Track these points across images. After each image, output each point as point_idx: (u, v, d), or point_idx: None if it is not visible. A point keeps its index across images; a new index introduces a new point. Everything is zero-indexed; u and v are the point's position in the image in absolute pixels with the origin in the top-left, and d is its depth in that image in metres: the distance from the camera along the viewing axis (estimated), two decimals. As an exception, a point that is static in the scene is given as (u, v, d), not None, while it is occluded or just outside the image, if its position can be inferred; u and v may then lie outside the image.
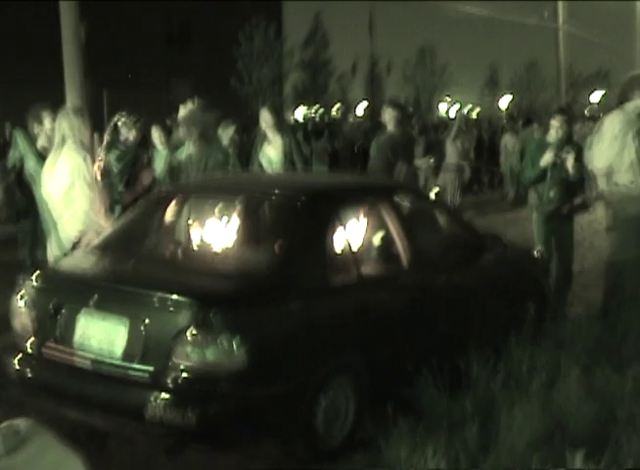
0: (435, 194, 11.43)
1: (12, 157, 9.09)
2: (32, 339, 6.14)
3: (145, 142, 10.17)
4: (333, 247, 6.55)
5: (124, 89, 32.68)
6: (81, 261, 6.86)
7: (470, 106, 73.47)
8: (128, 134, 9.26)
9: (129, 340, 5.61)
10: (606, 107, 56.85)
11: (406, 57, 77.18)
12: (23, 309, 6.22)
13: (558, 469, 4.85)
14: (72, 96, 13.60)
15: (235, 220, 6.96)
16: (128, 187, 8.75)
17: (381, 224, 7.08)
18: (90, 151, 8.06)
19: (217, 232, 6.93)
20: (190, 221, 7.19)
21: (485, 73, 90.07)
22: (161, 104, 33.98)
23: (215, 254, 6.80)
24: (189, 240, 7.13)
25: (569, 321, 8.20)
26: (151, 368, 5.52)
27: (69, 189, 7.63)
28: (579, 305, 10.01)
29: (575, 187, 9.87)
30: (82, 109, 8.29)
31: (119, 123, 9.36)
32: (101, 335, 5.74)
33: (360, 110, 70.69)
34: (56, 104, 9.32)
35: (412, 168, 11.01)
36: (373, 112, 60.01)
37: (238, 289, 5.89)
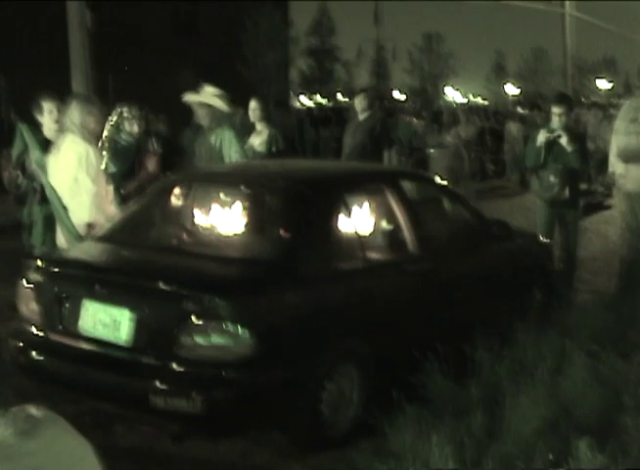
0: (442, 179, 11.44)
1: (16, 148, 9.09)
2: (38, 326, 6.16)
3: (149, 130, 10.12)
4: (338, 234, 6.55)
5: (130, 76, 32.64)
6: (87, 250, 6.87)
7: (473, 93, 73.37)
8: (132, 127, 9.22)
9: (135, 327, 5.61)
10: (612, 93, 56.75)
11: (412, 43, 77.13)
12: (30, 296, 6.23)
13: (563, 456, 4.85)
14: (78, 83, 13.64)
15: (240, 208, 6.96)
16: (133, 175, 8.71)
17: (386, 210, 7.08)
18: (96, 140, 8.05)
19: (222, 220, 6.93)
20: (195, 210, 7.19)
21: (492, 60, 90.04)
22: (168, 90, 33.92)
23: (221, 241, 6.80)
24: (194, 228, 7.13)
25: (575, 307, 8.19)
26: (157, 355, 5.53)
27: (75, 179, 7.62)
28: (586, 291, 10.02)
29: (577, 173, 9.82)
30: (93, 97, 8.24)
31: (123, 115, 9.32)
32: (106, 322, 5.75)
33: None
34: (62, 91, 9.31)
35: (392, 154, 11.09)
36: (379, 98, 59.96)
37: (243, 276, 5.90)
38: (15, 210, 9.31)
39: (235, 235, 6.79)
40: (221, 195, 7.16)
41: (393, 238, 7.01)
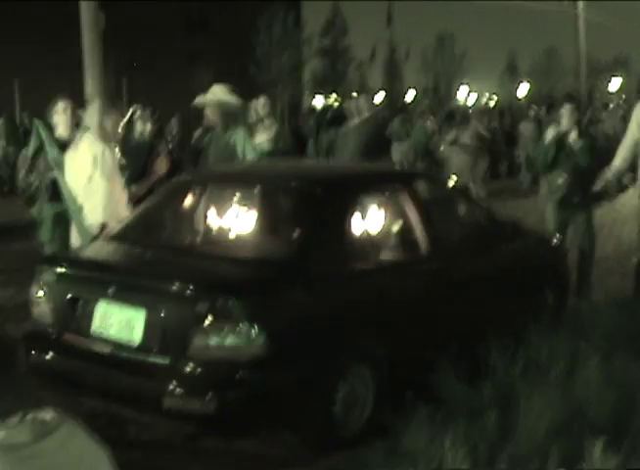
0: (455, 181, 11.41)
1: (32, 146, 9.11)
2: (51, 327, 6.17)
3: (161, 132, 10.13)
4: (351, 235, 6.55)
5: (144, 77, 32.72)
6: (100, 250, 6.88)
7: (487, 94, 73.21)
8: (144, 127, 9.22)
9: (148, 328, 5.62)
10: (625, 94, 56.63)
11: (425, 44, 77.08)
12: (42, 297, 6.25)
13: (577, 457, 4.84)
14: (92, 84, 13.64)
15: (253, 209, 6.96)
16: (143, 177, 8.72)
17: (400, 212, 7.07)
18: (115, 141, 8.06)
19: (235, 221, 6.94)
20: (208, 210, 7.19)
21: (505, 60, 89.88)
22: (181, 91, 34.00)
23: (234, 242, 6.81)
24: (208, 228, 7.14)
25: (588, 308, 8.17)
26: (169, 356, 5.54)
27: (90, 180, 7.65)
28: (599, 292, 9.98)
29: (587, 174, 9.73)
30: (114, 99, 8.25)
31: (135, 117, 9.33)
32: (120, 323, 5.76)
33: (378, 98, 70.62)
34: (75, 92, 9.33)
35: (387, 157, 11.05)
36: (392, 99, 59.95)
37: (257, 277, 5.90)
38: (24, 211, 9.33)
39: (249, 235, 6.79)
40: (235, 195, 7.16)
41: (406, 239, 7.00)
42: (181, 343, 5.46)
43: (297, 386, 5.68)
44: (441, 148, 16.60)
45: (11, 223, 14.43)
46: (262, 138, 10.54)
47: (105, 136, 7.74)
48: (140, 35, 37.23)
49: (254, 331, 5.37)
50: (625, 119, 17.07)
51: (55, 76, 25.35)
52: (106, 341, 5.83)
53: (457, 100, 74.45)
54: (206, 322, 5.37)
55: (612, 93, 66.75)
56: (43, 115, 9.25)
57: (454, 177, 13.19)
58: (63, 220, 8.28)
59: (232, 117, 9.22)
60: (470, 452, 5.02)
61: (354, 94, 13.36)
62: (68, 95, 8.74)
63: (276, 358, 5.48)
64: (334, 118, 28.34)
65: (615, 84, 68.17)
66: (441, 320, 6.92)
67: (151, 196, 7.64)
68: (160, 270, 6.18)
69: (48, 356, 6.16)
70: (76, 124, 8.43)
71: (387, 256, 6.79)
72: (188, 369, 5.46)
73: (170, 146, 9.59)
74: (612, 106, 31.85)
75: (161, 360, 5.57)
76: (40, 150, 8.45)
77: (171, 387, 5.43)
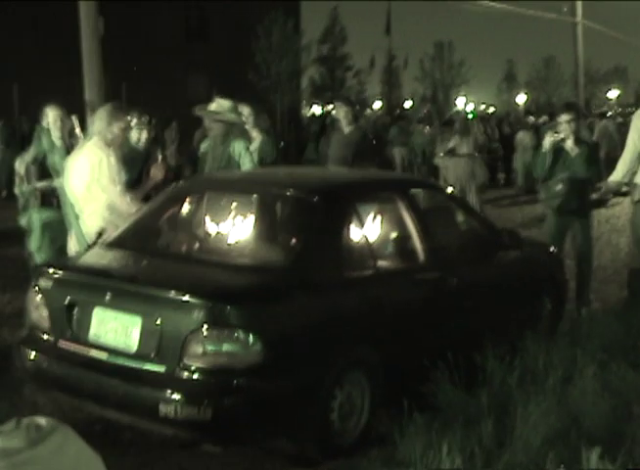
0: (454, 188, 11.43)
1: (33, 152, 9.12)
2: (48, 333, 6.17)
3: (157, 139, 10.12)
4: (348, 242, 6.56)
5: (143, 83, 32.75)
6: (97, 257, 6.87)
7: (485, 102, 73.31)
8: (140, 135, 9.23)
9: (145, 335, 5.62)
10: (623, 103, 56.76)
11: (424, 52, 77.16)
12: (40, 303, 6.25)
13: (573, 466, 4.84)
14: (91, 90, 13.64)
15: (250, 216, 6.97)
16: (139, 184, 8.71)
17: (397, 219, 7.08)
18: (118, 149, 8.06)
19: (233, 228, 6.94)
20: (206, 217, 7.20)
21: (503, 68, 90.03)
22: (180, 98, 34.06)
23: (232, 249, 6.81)
24: (205, 235, 7.14)
25: (585, 317, 8.18)
26: (166, 363, 5.53)
27: (90, 185, 7.65)
28: (596, 300, 10.00)
29: (585, 183, 9.73)
30: (123, 106, 8.23)
31: (131, 123, 9.32)
32: (116, 330, 5.76)
33: (376, 105, 70.66)
34: (75, 98, 9.34)
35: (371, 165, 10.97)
36: (390, 107, 60.02)
37: (254, 284, 5.89)
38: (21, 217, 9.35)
39: (246, 242, 6.79)
40: (233, 202, 7.17)
41: (404, 246, 7.01)
42: (178, 350, 5.45)
43: (293, 393, 5.68)
44: (440, 154, 16.59)
45: (9, 229, 14.42)
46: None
47: (111, 142, 7.75)
48: (139, 42, 37.29)
49: (251, 338, 5.37)
50: (620, 132, 17.12)
51: (54, 82, 25.37)
52: (102, 347, 5.82)
53: (456, 107, 74.58)
54: (203, 329, 5.37)
55: (610, 99, 66.95)
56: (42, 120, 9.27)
57: (450, 188, 13.19)
58: (51, 229, 8.30)
59: (233, 130, 9.24)
60: (466, 460, 5.03)
61: (335, 103, 13.34)
62: (57, 103, 8.73)
63: (273, 366, 5.48)
64: (333, 124, 28.43)
65: (612, 95, 68.40)
66: (438, 328, 6.92)
67: (148, 202, 7.64)
68: (157, 277, 6.18)
69: (44, 362, 6.16)
70: (69, 131, 8.45)
71: (384, 263, 6.80)
72: (184, 376, 5.45)
73: (167, 153, 9.58)
74: (610, 113, 31.89)
75: (158, 367, 5.57)
76: (40, 156, 8.46)
77: (168, 394, 5.42)
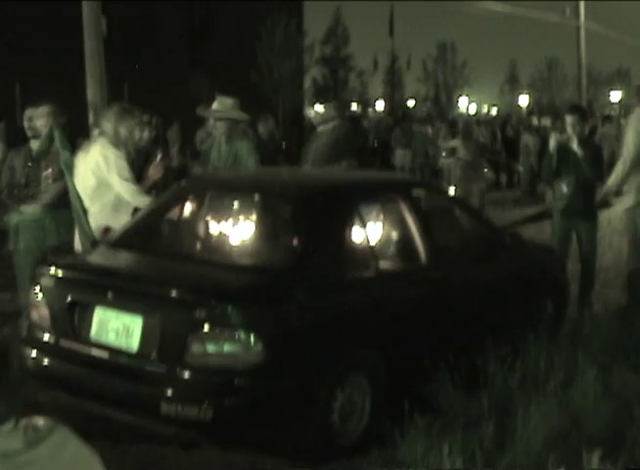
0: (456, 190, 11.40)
1: (38, 150, 9.10)
2: (49, 331, 6.17)
3: (158, 139, 10.08)
4: (350, 243, 6.55)
5: (145, 84, 32.74)
6: (98, 257, 6.88)
7: (486, 106, 73.36)
8: (141, 135, 9.21)
9: (146, 334, 5.62)
10: (626, 105, 56.68)
11: (426, 53, 77.20)
12: (41, 302, 6.25)
13: (574, 468, 4.83)
14: (93, 91, 13.62)
15: (252, 216, 6.96)
16: (139, 183, 8.71)
17: (399, 220, 7.07)
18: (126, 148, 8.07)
19: (234, 228, 6.93)
20: (208, 217, 7.19)
21: (506, 70, 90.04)
22: (182, 98, 34.05)
23: (234, 249, 6.80)
24: (207, 235, 7.14)
25: (586, 319, 8.16)
26: (167, 362, 5.53)
27: (98, 183, 7.67)
28: (598, 303, 9.98)
29: (591, 184, 9.71)
30: (131, 107, 8.21)
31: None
32: (118, 329, 5.76)
33: (379, 106, 70.65)
34: (77, 99, 9.32)
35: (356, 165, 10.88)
36: (393, 107, 60.02)
37: (256, 284, 5.89)
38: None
39: (247, 243, 6.79)
40: (235, 202, 7.16)
41: (406, 248, 7.00)
42: (179, 349, 5.45)
43: (294, 394, 5.67)
44: (443, 154, 16.60)
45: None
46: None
47: (119, 141, 7.78)
48: (142, 41, 37.25)
49: (252, 339, 5.36)
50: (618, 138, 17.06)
51: (56, 81, 25.34)
52: (104, 346, 5.82)
53: (459, 109, 74.57)
54: (204, 329, 5.37)
55: (613, 103, 66.91)
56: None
57: (452, 190, 13.17)
58: (25, 230, 8.29)
59: (237, 129, 9.23)
60: (467, 462, 5.02)
61: (318, 105, 13.30)
62: (50, 103, 8.69)
63: (274, 366, 5.48)
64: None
65: (615, 97, 68.34)
66: (440, 330, 6.91)
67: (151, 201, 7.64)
68: (159, 277, 6.18)
69: (46, 361, 6.16)
70: (29, 128, 8.46)
71: (386, 264, 6.79)
72: (185, 376, 5.45)
73: (173, 151, 9.56)
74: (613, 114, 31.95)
75: (159, 367, 5.56)
76: (44, 154, 8.44)
77: (169, 393, 5.42)
